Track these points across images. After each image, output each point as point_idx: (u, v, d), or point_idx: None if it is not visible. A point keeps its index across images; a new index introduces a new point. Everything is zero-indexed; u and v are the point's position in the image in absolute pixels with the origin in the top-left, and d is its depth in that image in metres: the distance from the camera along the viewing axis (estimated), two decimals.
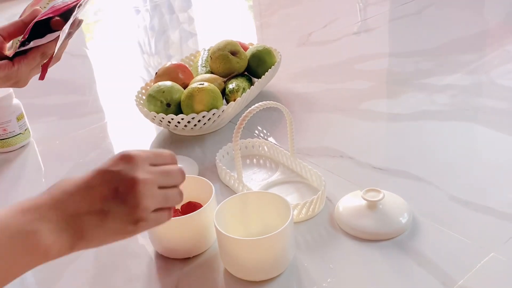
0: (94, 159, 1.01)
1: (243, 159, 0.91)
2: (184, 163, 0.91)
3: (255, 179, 0.87)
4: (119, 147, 1.04)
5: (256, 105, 0.78)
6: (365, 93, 1.13)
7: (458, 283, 0.64)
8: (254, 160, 0.93)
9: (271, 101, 0.80)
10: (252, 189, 0.81)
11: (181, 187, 0.53)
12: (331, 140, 0.97)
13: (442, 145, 0.92)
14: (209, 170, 0.92)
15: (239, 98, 1.00)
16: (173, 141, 1.03)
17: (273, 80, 1.16)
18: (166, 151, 0.54)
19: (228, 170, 0.85)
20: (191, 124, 0.97)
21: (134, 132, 1.10)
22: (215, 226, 0.66)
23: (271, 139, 0.99)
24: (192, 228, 0.70)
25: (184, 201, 0.76)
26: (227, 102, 1.03)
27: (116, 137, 1.09)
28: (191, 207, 0.75)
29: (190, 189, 0.75)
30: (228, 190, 0.86)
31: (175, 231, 0.70)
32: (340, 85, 1.18)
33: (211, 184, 0.74)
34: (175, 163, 0.54)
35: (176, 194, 0.52)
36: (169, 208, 0.51)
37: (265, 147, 0.93)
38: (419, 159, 0.89)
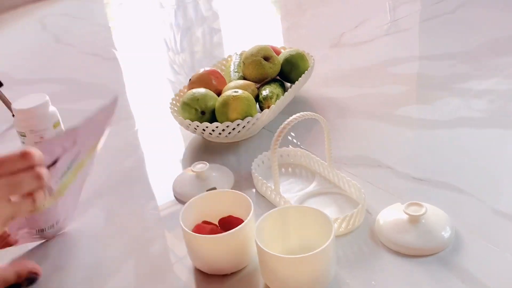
0: (130, 168, 1.01)
1: (278, 167, 0.90)
2: (219, 172, 0.91)
3: (291, 190, 0.86)
4: (152, 155, 1.05)
5: (294, 117, 0.77)
6: (399, 98, 1.11)
7: None
8: (290, 169, 0.92)
9: (309, 112, 0.79)
10: (289, 201, 0.80)
11: None
12: (367, 148, 0.96)
13: (481, 154, 0.90)
14: (244, 179, 0.91)
15: (273, 105, 0.99)
16: (207, 148, 1.03)
17: (306, 84, 1.15)
18: (26, 151, 0.51)
19: (264, 181, 0.85)
20: (226, 132, 0.97)
21: (166, 139, 1.10)
22: (257, 243, 0.66)
23: (304, 146, 0.98)
24: (232, 245, 0.70)
25: (222, 215, 0.76)
26: (261, 109, 1.03)
27: (148, 143, 1.10)
28: (229, 222, 0.75)
29: (228, 203, 0.75)
30: (264, 200, 0.85)
31: (214, 248, 0.70)
32: (373, 90, 1.16)
33: (250, 199, 0.73)
34: (36, 163, 0.51)
35: (28, 179, 0.50)
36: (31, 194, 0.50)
37: (301, 156, 0.92)
38: (459, 170, 0.87)
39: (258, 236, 0.67)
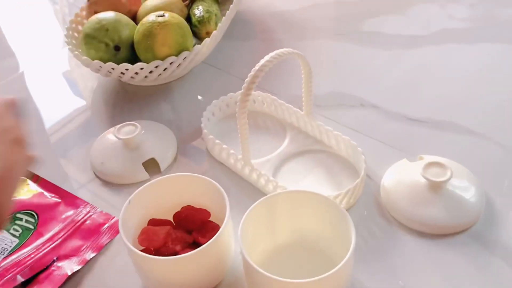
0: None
1: (233, 119, 0.66)
2: (155, 134, 0.66)
3: (258, 151, 0.63)
4: (49, 113, 0.76)
5: (268, 58, 0.53)
6: (364, 6, 0.89)
7: None
8: (251, 120, 0.68)
9: (287, 49, 0.54)
10: (261, 172, 0.58)
11: None
12: (341, 81, 0.75)
13: (482, 79, 0.73)
14: (190, 138, 0.67)
15: (214, 31, 0.72)
16: (127, 95, 0.76)
17: None
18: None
19: (224, 146, 0.61)
20: (154, 74, 0.70)
21: (64, 85, 0.81)
22: (247, 261, 0.44)
23: (265, 88, 0.74)
24: (204, 261, 0.47)
25: (177, 205, 0.53)
26: (196, 35, 0.76)
27: (42, 94, 0.80)
28: (189, 216, 0.52)
29: (184, 188, 0.53)
30: (221, 167, 0.63)
31: (179, 270, 0.47)
32: None
33: (221, 189, 0.50)
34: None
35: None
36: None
37: (267, 103, 0.69)
38: (462, 104, 0.69)
39: (244, 244, 0.45)
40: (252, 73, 0.52)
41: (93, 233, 0.56)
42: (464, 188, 0.56)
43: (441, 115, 0.67)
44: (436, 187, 0.55)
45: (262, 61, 0.53)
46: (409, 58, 0.78)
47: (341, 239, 0.48)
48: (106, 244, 0.56)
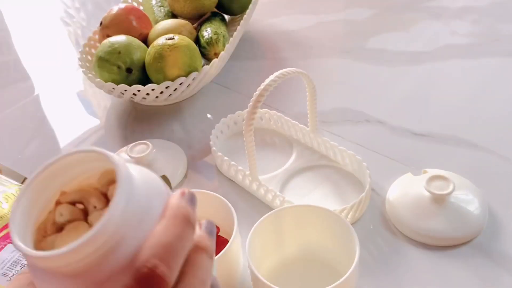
0: (37, 153, 0.75)
1: (241, 136, 0.68)
2: (166, 152, 0.68)
3: (266, 168, 0.65)
4: (64, 133, 0.78)
5: (273, 77, 0.55)
6: (368, 25, 0.91)
7: None
8: (259, 137, 0.71)
9: (291, 69, 0.57)
10: (268, 187, 0.60)
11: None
12: (346, 97, 0.76)
13: (485, 93, 0.74)
14: (199, 155, 0.70)
15: (222, 52, 0.75)
16: (138, 115, 0.79)
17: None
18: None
19: (233, 163, 0.63)
20: (165, 95, 0.73)
21: (78, 105, 0.84)
22: (254, 274, 0.46)
23: (272, 105, 0.76)
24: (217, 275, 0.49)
25: None
26: (204, 56, 0.79)
27: (57, 115, 0.82)
28: None
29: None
30: (230, 183, 0.65)
31: None
32: (332, 17, 0.95)
33: (230, 205, 0.52)
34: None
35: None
36: None
37: (274, 120, 0.71)
38: (465, 118, 0.70)
39: (251, 257, 0.47)
40: (257, 92, 0.54)
41: None
42: (467, 200, 0.57)
43: (445, 129, 0.69)
44: (439, 200, 0.56)
45: (267, 81, 0.55)
46: (413, 74, 0.79)
47: (346, 252, 0.50)
48: None
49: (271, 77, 0.55)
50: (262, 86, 0.54)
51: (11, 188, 0.54)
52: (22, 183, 0.60)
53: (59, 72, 0.91)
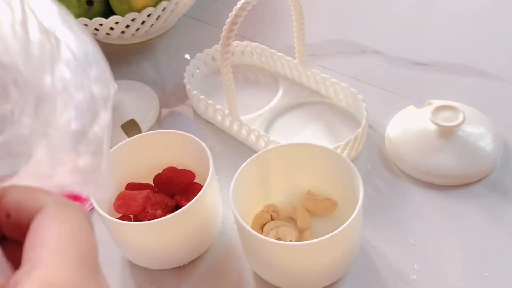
0: None
1: (220, 74, 0.60)
2: (135, 93, 0.60)
3: (249, 107, 0.57)
4: None
5: None
6: None
7: None
8: (240, 74, 0.62)
9: None
10: (250, 127, 0.52)
11: None
12: (338, 26, 0.68)
13: (494, 13, 0.66)
14: (173, 97, 0.62)
15: None
16: (105, 55, 0.70)
17: None
18: None
19: (210, 101, 0.55)
20: (131, 29, 0.64)
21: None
22: (240, 224, 0.39)
23: (252, 37, 0.67)
24: (189, 225, 0.42)
25: (158, 168, 0.48)
26: None
27: None
28: (172, 178, 0.47)
29: (164, 147, 0.47)
30: (209, 126, 0.57)
31: (160, 237, 0.42)
32: None
33: (202, 143, 0.45)
34: None
35: None
36: None
37: (257, 54, 0.62)
38: (473, 43, 0.62)
39: (236, 206, 0.40)
40: (233, 12, 0.46)
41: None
42: (479, 134, 0.50)
43: (451, 57, 0.61)
44: (447, 133, 0.49)
45: (240, 3, 0.46)
46: None
47: (345, 195, 0.43)
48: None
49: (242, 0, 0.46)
50: (238, 6, 0.46)
51: None
52: None
53: None
